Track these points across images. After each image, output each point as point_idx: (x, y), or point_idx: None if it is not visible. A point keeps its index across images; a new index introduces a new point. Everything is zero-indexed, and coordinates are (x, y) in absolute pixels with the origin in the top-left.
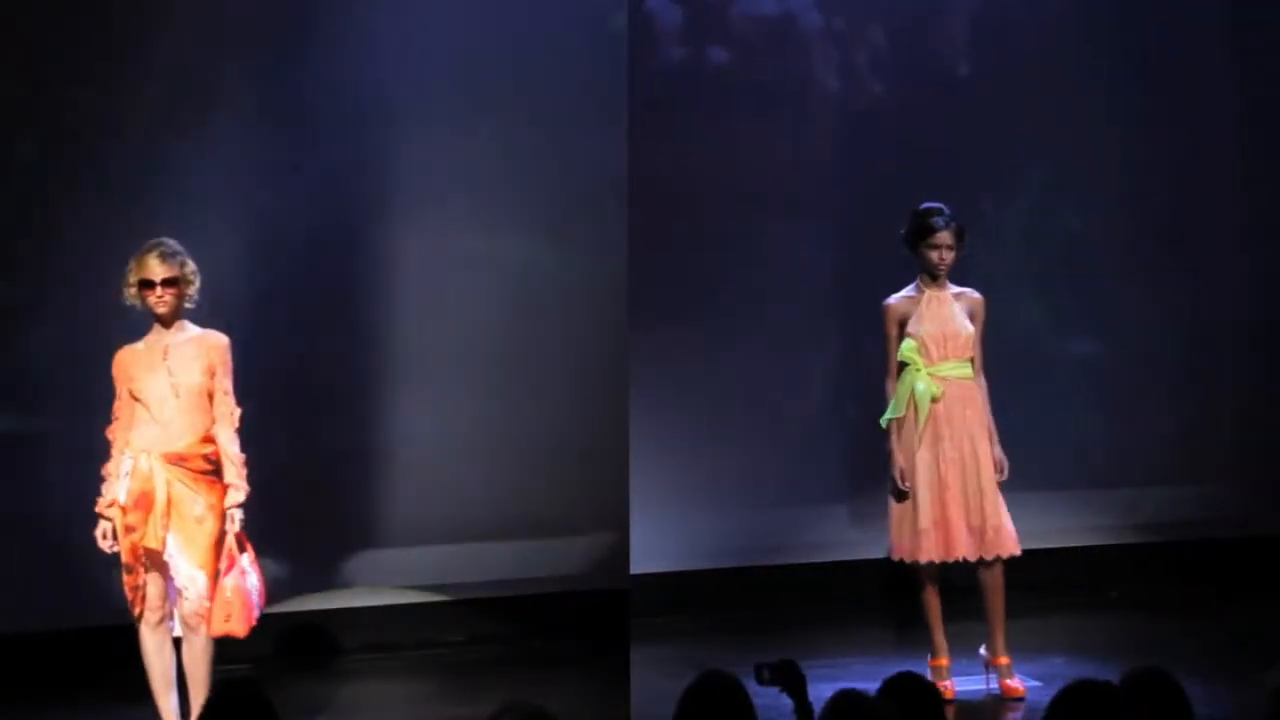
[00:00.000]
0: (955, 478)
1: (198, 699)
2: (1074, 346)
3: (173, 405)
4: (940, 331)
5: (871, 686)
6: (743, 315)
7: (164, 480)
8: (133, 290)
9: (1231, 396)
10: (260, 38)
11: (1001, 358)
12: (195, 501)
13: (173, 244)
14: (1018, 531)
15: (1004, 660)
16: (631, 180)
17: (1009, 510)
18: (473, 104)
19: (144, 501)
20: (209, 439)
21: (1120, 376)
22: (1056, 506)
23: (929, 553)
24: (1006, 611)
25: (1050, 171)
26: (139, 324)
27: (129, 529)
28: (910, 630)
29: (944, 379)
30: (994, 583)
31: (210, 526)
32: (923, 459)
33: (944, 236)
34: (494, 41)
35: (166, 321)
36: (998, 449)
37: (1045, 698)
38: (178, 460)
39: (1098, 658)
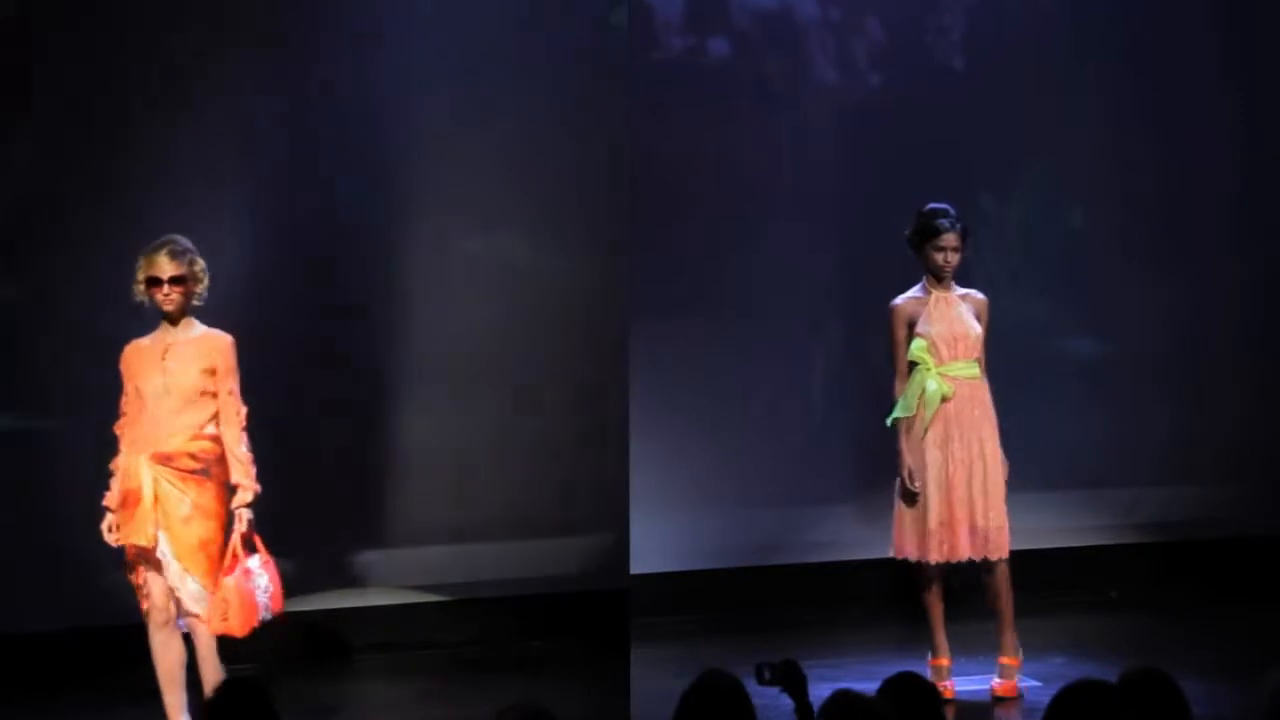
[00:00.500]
0: (962, 478)
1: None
2: (1074, 346)
3: (165, 404)
4: (950, 332)
5: (871, 686)
6: (742, 313)
7: (150, 479)
8: (141, 287)
9: (1231, 397)
10: (262, 37)
11: (1001, 358)
12: (182, 501)
13: (183, 242)
14: (1019, 531)
15: (1004, 660)
16: (631, 178)
17: (1011, 510)
18: (472, 103)
19: (130, 499)
20: (200, 438)
21: (1120, 376)
22: (1057, 506)
23: (937, 553)
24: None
25: (1050, 170)
26: (140, 324)
27: (118, 526)
28: (911, 630)
29: (954, 379)
30: (999, 583)
31: (197, 527)
32: (933, 459)
33: (949, 238)
34: (493, 40)
35: (173, 319)
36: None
37: (1045, 697)
38: (164, 460)
39: (1098, 658)
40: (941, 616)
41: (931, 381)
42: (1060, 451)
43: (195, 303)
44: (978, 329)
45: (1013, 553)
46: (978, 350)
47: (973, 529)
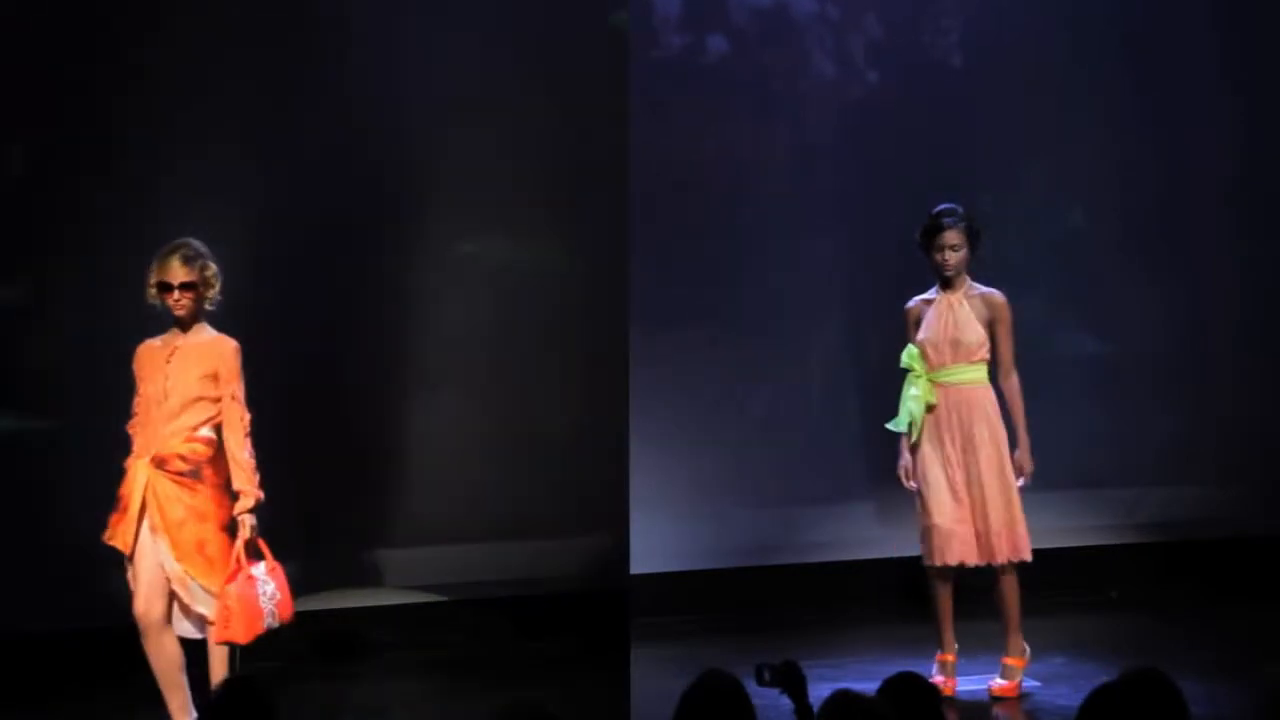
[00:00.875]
0: (961, 482)
1: None
2: (1074, 346)
3: (164, 407)
4: (942, 337)
5: (871, 686)
6: (742, 313)
7: (143, 486)
8: (153, 291)
9: (1231, 397)
10: (261, 37)
11: None
12: (177, 505)
13: (197, 246)
14: None
15: (1007, 660)
16: (631, 178)
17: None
18: (472, 102)
19: (121, 503)
20: (193, 440)
21: (1120, 376)
22: (1057, 506)
23: (943, 555)
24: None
25: (1050, 170)
26: (143, 325)
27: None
28: (912, 630)
29: (944, 384)
30: (1002, 586)
31: (192, 529)
32: (931, 460)
33: (947, 236)
34: (493, 39)
35: (184, 324)
36: (1020, 452)
37: (1045, 697)
38: (159, 463)
39: (1098, 658)
40: (950, 612)
41: (914, 388)
42: (1060, 451)
43: (208, 307)
44: (978, 334)
45: None
46: (978, 354)
47: (977, 533)
